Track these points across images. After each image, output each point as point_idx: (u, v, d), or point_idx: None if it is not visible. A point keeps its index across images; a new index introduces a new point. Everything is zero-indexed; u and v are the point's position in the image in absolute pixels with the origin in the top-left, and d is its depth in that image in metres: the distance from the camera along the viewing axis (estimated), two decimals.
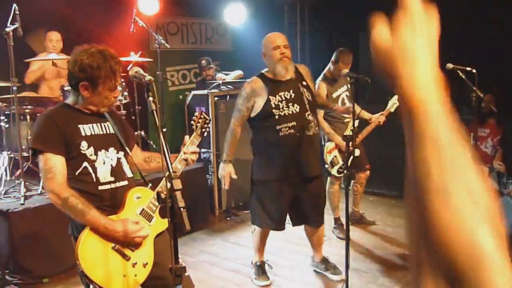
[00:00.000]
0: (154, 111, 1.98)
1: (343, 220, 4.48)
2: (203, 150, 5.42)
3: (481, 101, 4.86)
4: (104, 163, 2.33)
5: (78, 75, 2.23)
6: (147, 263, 2.28)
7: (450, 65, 4.18)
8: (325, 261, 3.91)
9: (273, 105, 3.37)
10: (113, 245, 2.19)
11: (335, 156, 4.58)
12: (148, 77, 2.06)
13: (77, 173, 2.26)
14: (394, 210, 5.56)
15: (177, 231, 1.87)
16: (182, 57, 7.24)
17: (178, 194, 1.79)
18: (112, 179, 2.34)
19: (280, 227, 3.68)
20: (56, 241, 3.92)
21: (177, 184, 1.81)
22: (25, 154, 4.47)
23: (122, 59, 4.98)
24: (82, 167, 2.27)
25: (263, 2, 7.34)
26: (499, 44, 6.46)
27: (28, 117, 4.57)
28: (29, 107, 4.59)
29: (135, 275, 2.24)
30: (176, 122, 6.39)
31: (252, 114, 3.46)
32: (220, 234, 4.95)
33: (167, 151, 1.93)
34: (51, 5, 5.02)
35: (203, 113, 2.57)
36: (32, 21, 4.34)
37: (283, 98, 3.38)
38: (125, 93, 5.00)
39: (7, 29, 3.90)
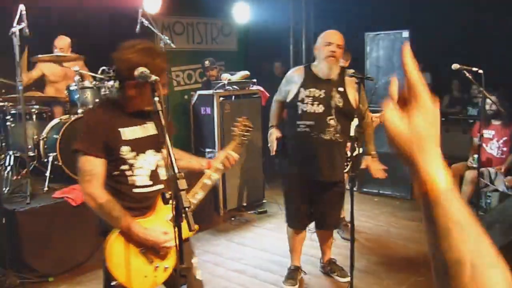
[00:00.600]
0: (160, 111, 1.94)
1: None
2: (207, 150, 5.42)
3: (486, 102, 4.83)
4: (143, 167, 2.29)
5: (126, 73, 2.14)
6: (167, 267, 2.30)
7: (456, 65, 4.13)
8: (332, 263, 3.90)
9: (300, 98, 3.36)
10: (141, 248, 2.22)
11: None
12: (153, 77, 2.03)
13: (114, 173, 2.24)
14: (398, 211, 5.54)
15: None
16: (187, 57, 7.25)
17: (183, 194, 1.77)
18: (150, 183, 2.31)
19: (297, 225, 3.66)
20: (62, 241, 3.99)
21: (182, 184, 1.79)
22: (31, 153, 4.51)
23: None
24: (120, 168, 2.24)
25: (268, 2, 7.33)
26: (506, 44, 6.45)
27: (34, 116, 4.61)
28: (35, 106, 4.62)
29: (155, 277, 2.27)
30: (181, 122, 6.39)
31: (287, 100, 3.48)
32: (225, 234, 4.95)
33: (172, 151, 1.91)
34: (56, 6, 5.05)
35: (245, 119, 2.52)
36: (39, 22, 4.34)
37: (312, 95, 3.34)
38: None
39: (13, 29, 3.91)
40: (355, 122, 4.07)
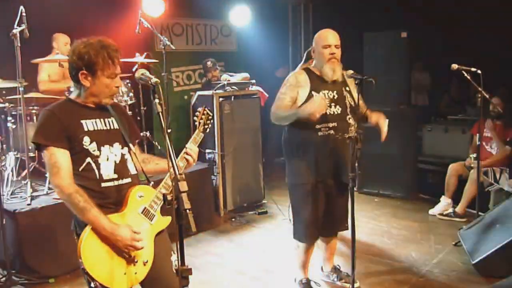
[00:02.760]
0: (160, 113, 1.97)
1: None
2: (208, 150, 5.42)
3: (487, 103, 4.83)
4: (107, 159, 2.31)
5: (77, 64, 2.24)
6: (147, 261, 2.29)
7: (455, 66, 4.15)
8: (337, 270, 3.78)
9: None
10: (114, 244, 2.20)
11: None
12: (154, 80, 2.06)
13: (80, 169, 2.25)
14: (399, 212, 5.54)
15: (183, 232, 1.87)
16: (187, 58, 7.27)
17: (184, 196, 1.78)
18: (116, 176, 2.32)
19: (313, 239, 3.50)
20: (62, 242, 3.94)
21: (183, 186, 1.80)
22: (31, 154, 4.50)
23: (127, 60, 5.09)
24: (85, 162, 2.25)
25: (267, 3, 7.34)
26: (506, 45, 6.45)
27: (34, 117, 4.60)
28: (35, 108, 4.62)
29: (135, 273, 2.25)
30: (180, 122, 6.41)
31: (299, 104, 3.24)
32: (225, 235, 4.94)
33: (173, 153, 1.92)
34: (56, 6, 5.06)
35: (206, 109, 2.56)
36: (38, 23, 4.36)
37: (327, 97, 3.23)
38: (131, 94, 5.03)
39: (14, 31, 3.93)
40: None
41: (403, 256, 4.30)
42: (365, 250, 4.37)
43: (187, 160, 2.41)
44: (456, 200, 5.28)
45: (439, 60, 5.72)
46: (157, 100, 1.98)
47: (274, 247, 4.59)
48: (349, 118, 3.27)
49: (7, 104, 4.47)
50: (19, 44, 3.95)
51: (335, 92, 3.28)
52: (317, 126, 3.20)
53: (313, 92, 3.22)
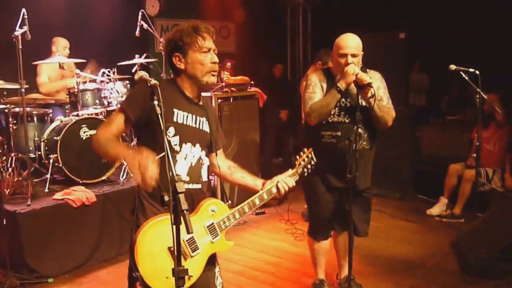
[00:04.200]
0: (159, 115, 1.92)
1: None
2: None
3: (484, 103, 4.84)
4: (186, 157, 2.21)
5: (169, 49, 2.22)
6: (192, 276, 2.16)
7: (453, 66, 4.14)
8: (351, 281, 3.49)
9: None
10: (170, 245, 2.03)
11: None
12: (153, 81, 2.01)
13: (156, 157, 2.05)
14: (396, 212, 5.54)
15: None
16: None
17: (182, 196, 1.76)
18: (187, 179, 2.20)
19: (326, 234, 3.49)
20: (62, 242, 4.01)
21: (180, 187, 1.77)
22: (32, 155, 4.53)
23: (126, 62, 5.13)
24: (162, 153, 2.05)
25: (266, 4, 7.37)
26: (504, 45, 6.48)
27: (35, 118, 4.64)
28: (36, 108, 4.65)
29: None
30: None
31: None
32: None
33: (171, 156, 1.88)
34: (57, 8, 5.09)
35: (311, 153, 2.48)
36: (39, 26, 4.40)
37: (338, 105, 3.12)
38: None
39: (16, 33, 3.95)
40: None
41: (400, 257, 4.31)
42: (362, 251, 4.34)
43: (278, 190, 2.36)
44: (454, 200, 5.30)
45: (437, 61, 5.73)
46: (156, 102, 1.93)
47: (272, 247, 4.61)
48: (357, 128, 2.99)
49: (8, 105, 4.48)
50: (20, 47, 3.96)
51: (349, 100, 3.16)
52: (322, 132, 3.17)
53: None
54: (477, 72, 4.08)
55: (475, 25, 6.92)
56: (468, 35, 7.00)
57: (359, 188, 3.23)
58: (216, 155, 2.43)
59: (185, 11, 7.09)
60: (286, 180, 2.38)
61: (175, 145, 2.17)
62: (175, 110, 2.19)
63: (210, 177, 2.38)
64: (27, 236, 3.83)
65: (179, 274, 1.83)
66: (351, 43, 3.13)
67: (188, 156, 2.21)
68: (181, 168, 2.18)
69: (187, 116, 2.22)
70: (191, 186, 2.21)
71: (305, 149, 2.49)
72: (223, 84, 5.50)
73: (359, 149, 2.99)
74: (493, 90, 5.24)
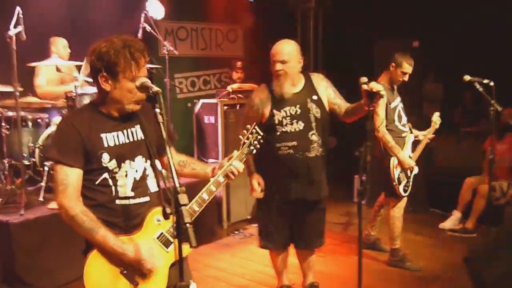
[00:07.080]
0: (161, 123, 1.84)
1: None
2: (211, 160, 5.30)
3: (499, 115, 4.68)
4: (126, 175, 2.12)
5: (96, 65, 2.03)
6: None
7: (467, 77, 4.03)
8: (313, 287, 3.63)
9: (277, 121, 3.14)
10: (122, 269, 2.04)
11: (400, 172, 4.31)
12: (155, 88, 1.90)
13: (96, 183, 2.08)
14: (408, 226, 5.35)
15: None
16: (191, 63, 7.16)
17: (185, 209, 1.70)
18: (132, 194, 2.13)
19: (279, 247, 3.45)
20: (57, 254, 3.90)
21: (184, 199, 1.71)
22: (26, 162, 4.38)
23: None
24: (102, 177, 2.08)
25: (275, 8, 7.23)
26: None
27: (30, 123, 4.48)
28: (31, 113, 4.49)
29: None
30: (184, 131, 6.24)
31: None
32: (228, 248, 4.84)
33: (173, 165, 1.80)
34: (57, 10, 4.97)
35: (256, 127, 2.38)
36: (37, 26, 4.27)
37: (288, 114, 3.14)
38: None
39: (10, 33, 3.83)
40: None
41: (412, 271, 4.23)
42: (372, 265, 4.30)
43: (228, 177, 2.29)
44: (467, 214, 5.24)
45: (452, 71, 5.58)
46: (158, 110, 1.85)
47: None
48: (311, 135, 3.14)
49: (1, 109, 4.35)
50: (15, 47, 3.85)
51: (297, 106, 3.14)
52: (277, 145, 3.16)
53: (274, 111, 3.14)
54: (492, 83, 3.98)
55: (494, 36, 6.76)
56: (487, 46, 6.85)
57: (309, 199, 3.24)
58: (165, 153, 2.23)
59: (191, 14, 6.99)
60: (234, 164, 2.30)
61: (114, 168, 2.10)
62: (103, 135, 2.09)
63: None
64: (20, 248, 3.73)
65: None
66: (279, 49, 3.16)
67: (128, 173, 2.14)
68: (124, 186, 2.12)
69: (117, 135, 2.13)
70: (137, 200, 2.15)
71: (248, 126, 2.36)
72: (229, 90, 5.38)
73: (316, 155, 3.14)
74: (509, 103, 5.10)
